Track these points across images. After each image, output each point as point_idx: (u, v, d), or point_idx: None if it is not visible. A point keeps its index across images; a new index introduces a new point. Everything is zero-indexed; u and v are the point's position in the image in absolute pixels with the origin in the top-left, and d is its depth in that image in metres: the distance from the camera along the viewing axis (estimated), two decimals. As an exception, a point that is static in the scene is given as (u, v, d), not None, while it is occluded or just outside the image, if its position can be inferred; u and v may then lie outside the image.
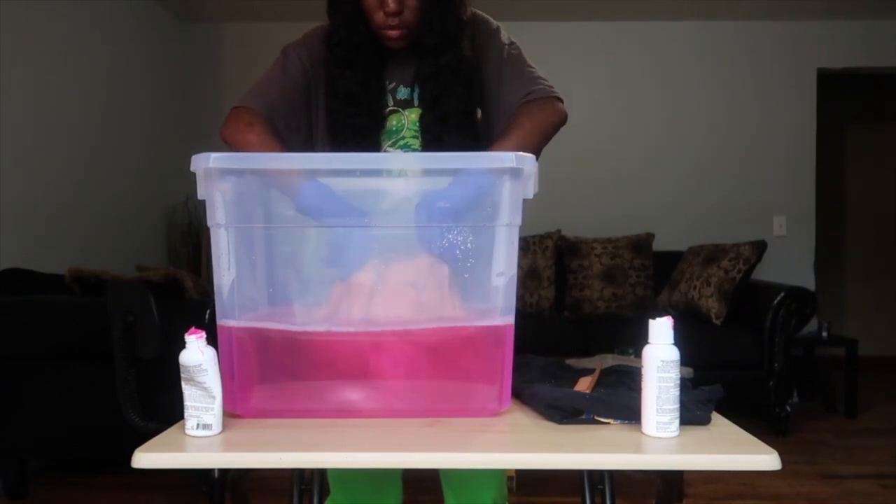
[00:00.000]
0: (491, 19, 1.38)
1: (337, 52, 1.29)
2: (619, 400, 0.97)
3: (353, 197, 0.97)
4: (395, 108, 1.34)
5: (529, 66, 1.34)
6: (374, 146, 1.31)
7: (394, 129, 1.34)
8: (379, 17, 1.23)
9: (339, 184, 0.98)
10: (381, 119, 1.32)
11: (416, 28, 1.27)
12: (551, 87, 1.31)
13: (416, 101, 1.34)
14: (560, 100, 1.31)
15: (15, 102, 2.90)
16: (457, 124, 1.28)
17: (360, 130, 1.29)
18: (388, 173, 1.00)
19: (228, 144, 1.25)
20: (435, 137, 1.29)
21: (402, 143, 1.34)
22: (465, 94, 1.29)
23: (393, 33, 1.24)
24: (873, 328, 5.25)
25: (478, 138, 1.32)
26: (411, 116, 1.34)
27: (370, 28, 1.27)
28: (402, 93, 1.35)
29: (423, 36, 1.28)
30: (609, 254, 3.93)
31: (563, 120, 1.31)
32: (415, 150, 1.32)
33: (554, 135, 1.29)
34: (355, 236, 0.98)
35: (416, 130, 1.33)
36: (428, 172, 1.00)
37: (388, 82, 1.34)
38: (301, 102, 1.32)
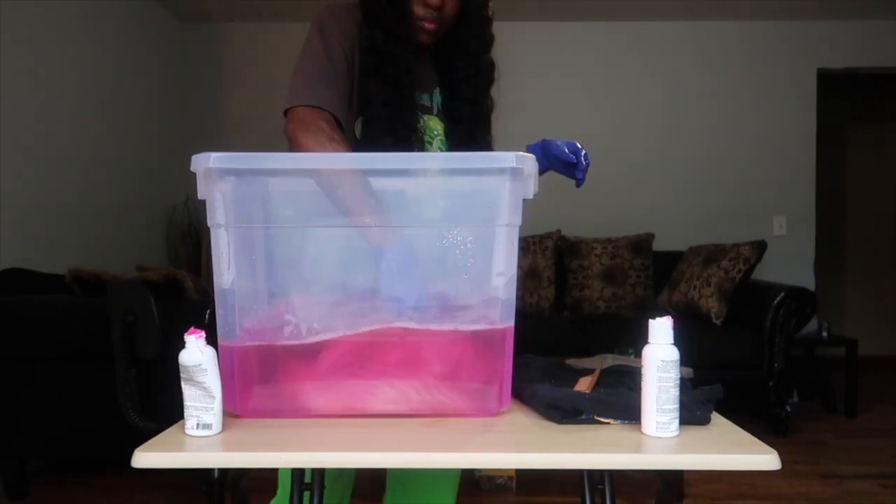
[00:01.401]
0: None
1: (380, 34, 1.28)
2: (619, 400, 0.97)
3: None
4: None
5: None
6: (413, 133, 1.31)
7: None
8: (419, 7, 1.27)
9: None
10: (415, 112, 1.33)
11: (446, 29, 1.32)
12: None
13: (434, 109, 1.37)
14: None
15: (15, 102, 2.90)
16: (481, 129, 1.35)
17: (404, 122, 1.29)
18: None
19: (302, 147, 1.19)
20: (460, 142, 1.34)
21: (416, 146, 1.35)
22: (490, 99, 1.37)
23: (429, 26, 1.29)
24: (873, 328, 5.25)
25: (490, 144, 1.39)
26: (429, 123, 1.35)
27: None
28: (422, 97, 1.36)
29: (462, 39, 1.33)
30: (609, 254, 3.93)
31: None
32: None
33: None
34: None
35: (430, 136, 1.35)
36: (429, 173, 1.00)
37: None
38: (347, 89, 1.28)
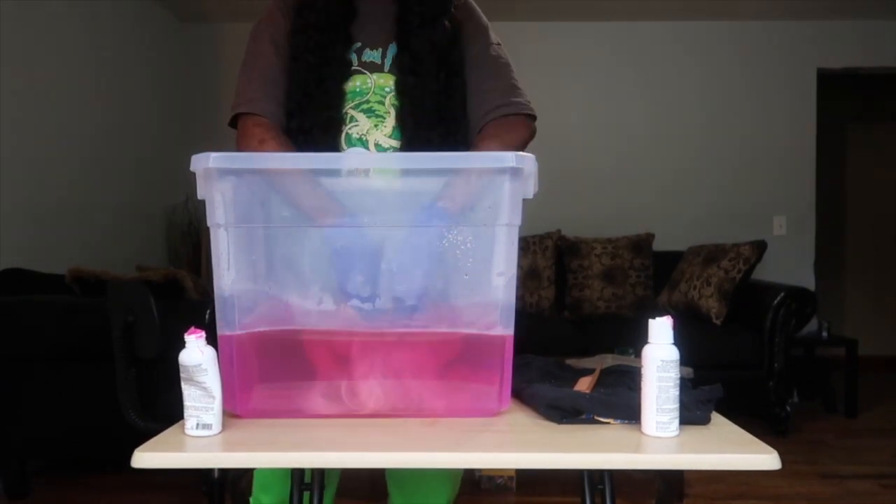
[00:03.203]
0: (482, 15, 1.38)
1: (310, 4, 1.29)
2: (619, 400, 0.97)
3: (349, 195, 0.97)
4: (360, 68, 1.30)
5: (513, 73, 1.34)
6: (336, 99, 1.28)
7: (357, 90, 1.29)
8: None
9: (333, 182, 0.98)
10: (344, 73, 1.30)
11: None
12: (528, 102, 1.32)
13: (385, 67, 1.31)
14: (533, 117, 1.32)
15: (15, 102, 2.90)
16: (435, 89, 1.27)
17: (321, 83, 1.27)
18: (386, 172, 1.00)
19: None
20: (415, 101, 1.27)
21: (365, 106, 1.29)
22: (449, 56, 1.30)
23: None
24: (873, 328, 5.25)
25: (455, 109, 1.31)
26: (379, 81, 1.30)
27: None
28: (370, 55, 1.31)
29: None
30: (609, 254, 3.93)
31: (531, 137, 1.32)
32: (379, 115, 1.29)
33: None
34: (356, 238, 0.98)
35: (381, 95, 1.29)
36: (429, 172, 1.00)
37: (355, 42, 1.32)
38: (283, 79, 1.30)
